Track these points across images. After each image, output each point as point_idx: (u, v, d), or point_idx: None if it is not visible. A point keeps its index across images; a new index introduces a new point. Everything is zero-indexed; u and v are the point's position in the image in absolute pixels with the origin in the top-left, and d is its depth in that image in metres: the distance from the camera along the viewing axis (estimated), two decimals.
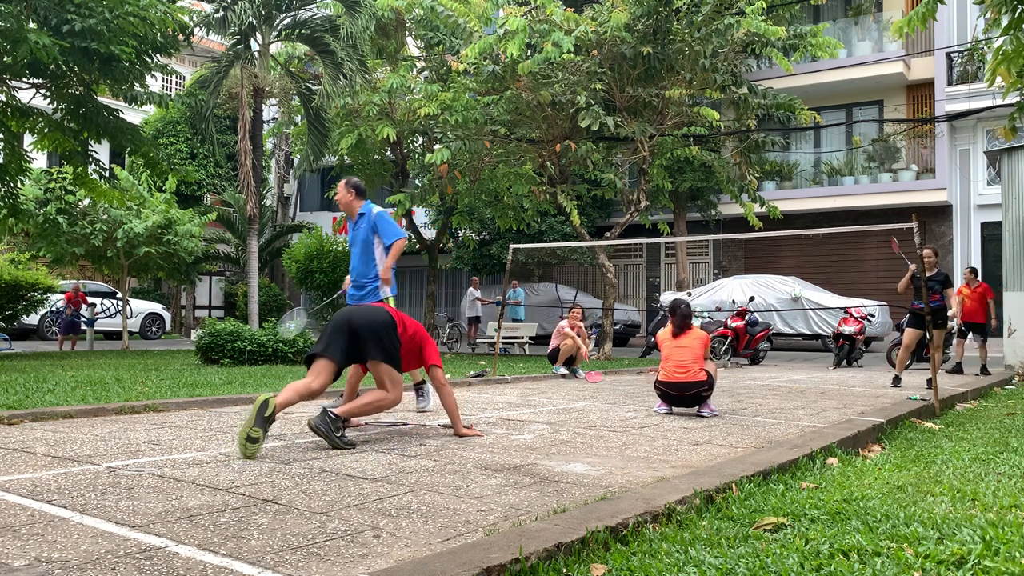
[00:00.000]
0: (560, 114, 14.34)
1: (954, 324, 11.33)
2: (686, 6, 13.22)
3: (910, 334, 9.51)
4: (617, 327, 19.75)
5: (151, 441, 4.70)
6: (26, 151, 12.95)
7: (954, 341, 12.45)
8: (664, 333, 6.52)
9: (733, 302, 16.71)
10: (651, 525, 2.84)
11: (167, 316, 24.27)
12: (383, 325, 4.79)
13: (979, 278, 12.47)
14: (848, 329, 13.21)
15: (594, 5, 13.96)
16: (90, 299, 18.37)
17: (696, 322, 6.76)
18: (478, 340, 19.01)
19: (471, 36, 14.45)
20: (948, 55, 19.84)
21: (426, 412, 6.27)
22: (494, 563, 2.22)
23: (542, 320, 20.08)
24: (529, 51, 13.37)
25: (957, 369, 11.90)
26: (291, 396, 4.45)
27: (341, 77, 16.07)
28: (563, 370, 10.61)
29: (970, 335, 12.21)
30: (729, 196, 17.11)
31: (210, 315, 28.56)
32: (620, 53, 13.47)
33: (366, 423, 5.49)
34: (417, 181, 18.93)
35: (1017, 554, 2.49)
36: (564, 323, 10.69)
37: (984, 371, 11.80)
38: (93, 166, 13.16)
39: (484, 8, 14.15)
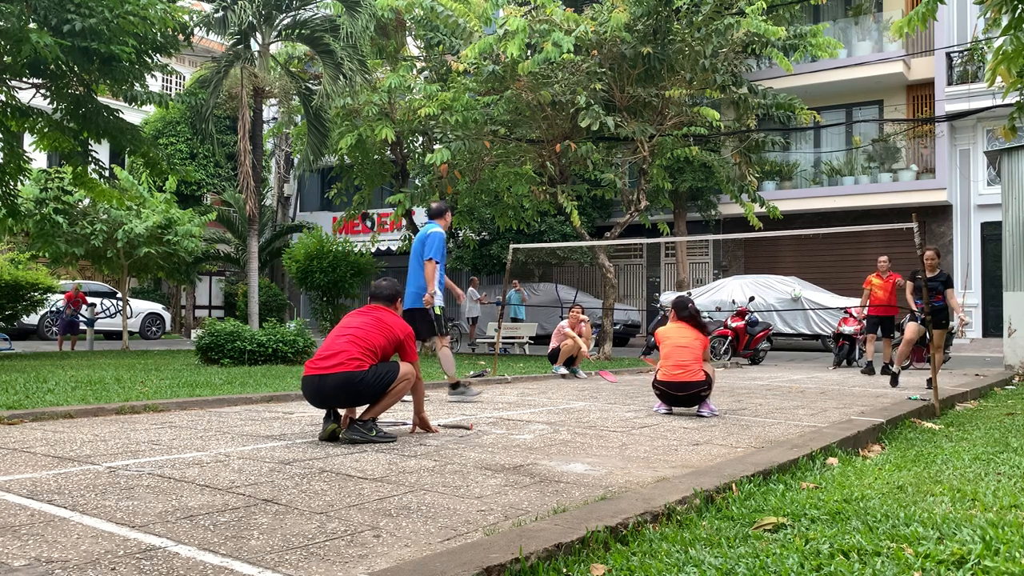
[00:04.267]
0: (560, 114, 14.33)
1: (955, 325, 11.23)
2: (686, 6, 13.21)
3: (913, 329, 9.47)
4: (617, 327, 19.75)
5: (151, 441, 4.70)
6: (26, 151, 12.95)
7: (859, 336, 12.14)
8: (665, 330, 6.50)
9: (733, 302, 16.71)
10: (651, 525, 2.84)
11: (167, 316, 24.28)
12: (354, 384, 4.69)
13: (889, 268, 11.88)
14: (848, 329, 13.21)
15: (594, 5, 13.95)
16: (90, 299, 18.38)
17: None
18: (477, 340, 19.01)
19: (471, 36, 14.45)
20: (948, 55, 19.84)
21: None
22: (494, 563, 2.22)
23: (542, 320, 20.09)
24: (529, 51, 13.36)
25: (869, 369, 11.44)
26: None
27: (341, 77, 16.07)
28: (563, 370, 10.60)
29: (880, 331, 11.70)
30: (729, 196, 17.10)
31: (210, 315, 28.57)
32: (620, 53, 13.47)
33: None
34: (417, 181, 18.92)
35: (1017, 554, 2.49)
36: (564, 323, 10.68)
37: (886, 371, 11.00)
38: (93, 166, 13.16)
39: (484, 8, 14.15)
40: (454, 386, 7.35)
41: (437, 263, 7.18)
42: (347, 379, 4.61)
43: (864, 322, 12.32)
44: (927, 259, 9.31)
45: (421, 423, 5.15)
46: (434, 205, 7.60)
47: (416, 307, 7.22)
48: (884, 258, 12.02)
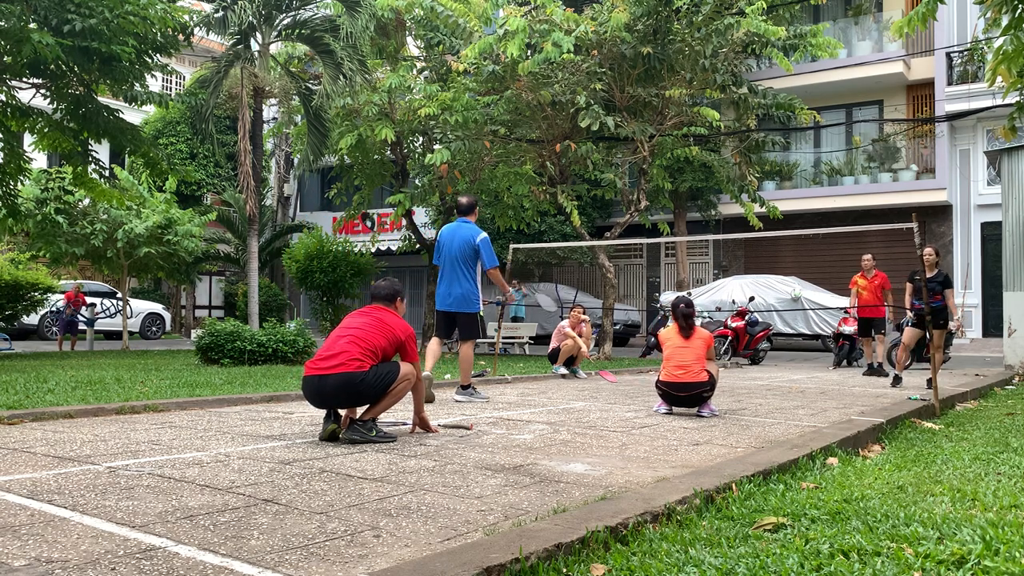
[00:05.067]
0: (560, 114, 14.33)
1: (953, 326, 11.17)
2: (686, 6, 13.22)
3: (910, 333, 9.50)
4: (617, 327, 19.75)
5: (151, 441, 4.70)
6: (26, 151, 12.95)
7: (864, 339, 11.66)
8: (667, 332, 6.50)
9: (733, 302, 16.71)
10: (651, 525, 2.84)
11: (167, 316, 24.29)
12: (355, 385, 4.68)
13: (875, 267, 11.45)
14: (848, 329, 13.20)
15: (594, 5, 13.96)
16: (90, 299, 18.38)
17: (696, 322, 6.72)
18: (477, 340, 19.00)
19: (471, 36, 14.45)
20: (948, 55, 19.85)
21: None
22: (494, 563, 2.22)
23: (542, 320, 20.09)
24: (529, 51, 13.37)
25: (876, 371, 11.19)
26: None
27: (341, 77, 16.08)
28: (563, 370, 10.60)
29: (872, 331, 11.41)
30: (729, 196, 17.11)
31: (210, 315, 28.57)
32: (620, 53, 13.47)
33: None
34: (417, 181, 18.93)
35: (1017, 554, 2.49)
36: (565, 323, 10.68)
37: (879, 371, 11.04)
38: (93, 166, 13.17)
39: (484, 8, 14.15)
40: (464, 387, 7.32)
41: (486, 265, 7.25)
42: (347, 380, 4.61)
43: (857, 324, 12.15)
44: (926, 256, 9.29)
45: (421, 423, 5.15)
46: (465, 200, 7.43)
47: (461, 311, 7.18)
48: (868, 256, 11.57)
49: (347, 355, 4.65)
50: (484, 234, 7.28)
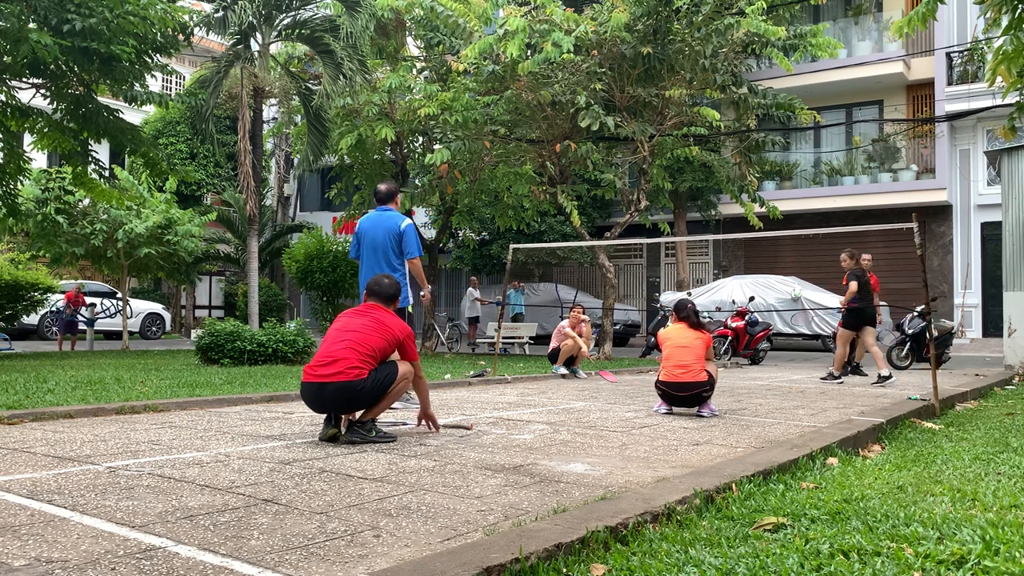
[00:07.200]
0: (560, 114, 14.33)
1: (955, 326, 11.13)
2: (686, 6, 13.21)
3: (845, 334, 10.20)
4: (617, 327, 19.75)
5: (151, 441, 4.70)
6: (26, 151, 12.94)
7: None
8: (666, 332, 6.50)
9: (733, 302, 16.71)
10: (651, 525, 2.84)
11: (167, 316, 24.28)
12: (354, 392, 4.66)
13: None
14: None
15: (594, 5, 13.95)
16: (90, 299, 18.38)
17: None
18: (478, 340, 19.00)
19: (471, 36, 14.44)
20: (948, 55, 19.85)
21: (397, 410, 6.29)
22: (494, 563, 2.22)
23: (542, 320, 20.08)
24: (529, 51, 13.36)
25: (857, 371, 10.95)
26: None
27: (341, 77, 16.07)
28: (563, 370, 10.60)
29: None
30: (729, 196, 17.10)
31: (210, 315, 28.57)
32: (620, 53, 13.47)
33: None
34: (417, 181, 18.92)
35: (1017, 554, 2.49)
36: (565, 323, 10.68)
37: (857, 370, 10.91)
38: (93, 166, 13.16)
39: (484, 8, 14.14)
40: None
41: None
42: (346, 388, 4.59)
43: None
44: (864, 262, 10.08)
45: (428, 420, 5.14)
46: (384, 187, 6.80)
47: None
48: (867, 256, 11.06)
49: (346, 363, 4.61)
50: (409, 220, 6.71)
